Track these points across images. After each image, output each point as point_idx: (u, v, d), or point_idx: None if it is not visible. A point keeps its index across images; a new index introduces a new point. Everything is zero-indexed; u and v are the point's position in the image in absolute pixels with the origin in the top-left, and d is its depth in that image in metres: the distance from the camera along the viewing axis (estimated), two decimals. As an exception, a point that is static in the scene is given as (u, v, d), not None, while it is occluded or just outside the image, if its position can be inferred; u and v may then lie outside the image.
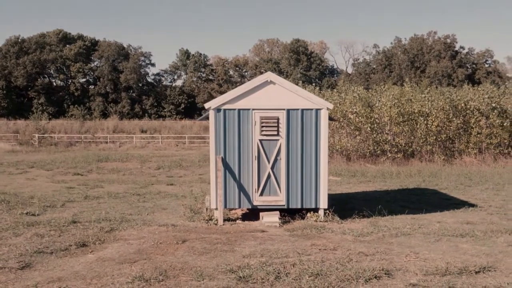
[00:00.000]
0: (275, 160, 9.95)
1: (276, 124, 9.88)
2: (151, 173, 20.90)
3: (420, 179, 18.34)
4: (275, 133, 9.91)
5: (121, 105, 78.52)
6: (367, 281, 5.56)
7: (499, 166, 23.10)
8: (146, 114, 77.17)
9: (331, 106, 10.21)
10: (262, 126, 9.86)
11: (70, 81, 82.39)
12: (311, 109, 9.94)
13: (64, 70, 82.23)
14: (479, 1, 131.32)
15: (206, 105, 9.98)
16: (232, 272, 5.89)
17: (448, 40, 78.07)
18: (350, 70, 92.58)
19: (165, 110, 79.72)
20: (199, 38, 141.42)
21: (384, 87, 28.70)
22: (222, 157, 9.83)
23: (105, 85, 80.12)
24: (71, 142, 40.03)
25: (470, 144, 24.78)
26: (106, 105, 77.65)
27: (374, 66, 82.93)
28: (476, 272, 5.94)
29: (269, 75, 10.04)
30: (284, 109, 9.90)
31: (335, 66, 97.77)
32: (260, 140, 9.91)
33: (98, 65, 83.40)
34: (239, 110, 9.86)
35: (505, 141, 24.96)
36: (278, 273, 5.81)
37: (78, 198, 13.14)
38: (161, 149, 38.03)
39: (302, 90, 10.28)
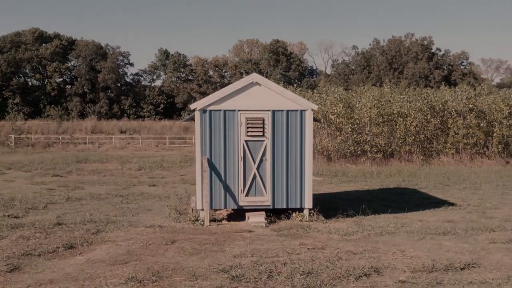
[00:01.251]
0: (261, 160, 10.03)
1: (261, 125, 9.96)
2: (132, 174, 20.74)
3: (400, 178, 18.68)
4: (261, 134, 9.98)
5: (99, 105, 77.46)
6: (358, 279, 5.70)
7: (475, 166, 23.70)
8: (124, 115, 76.29)
9: (315, 107, 10.35)
10: (248, 127, 9.93)
11: (46, 80, 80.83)
12: (296, 110, 10.05)
13: (40, 69, 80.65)
14: (454, 4, 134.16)
15: (192, 106, 10.00)
16: (225, 272, 5.95)
17: (425, 42, 79.41)
18: (329, 71, 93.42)
19: (144, 110, 78.91)
20: (178, 38, 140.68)
21: (364, 88, 29.09)
22: (208, 158, 9.85)
23: (82, 85, 78.88)
24: (49, 143, 39.38)
25: (448, 144, 25.34)
26: (84, 105, 76.46)
27: (353, 67, 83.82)
28: (461, 269, 6.14)
29: (255, 77, 10.12)
30: (269, 110, 9.98)
31: (314, 67, 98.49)
32: (246, 141, 9.97)
33: (75, 65, 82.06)
34: (224, 111, 9.91)
35: (481, 141, 25.59)
36: (270, 272, 5.90)
37: (60, 199, 12.99)
38: (141, 150, 37.72)
39: (287, 91, 10.39)
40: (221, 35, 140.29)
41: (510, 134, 25.69)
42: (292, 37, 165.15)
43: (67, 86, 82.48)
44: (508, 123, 25.54)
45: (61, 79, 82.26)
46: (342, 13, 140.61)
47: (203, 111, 9.88)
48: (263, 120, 9.96)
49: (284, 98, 10.03)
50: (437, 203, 12.59)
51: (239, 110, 9.92)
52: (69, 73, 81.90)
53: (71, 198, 13.22)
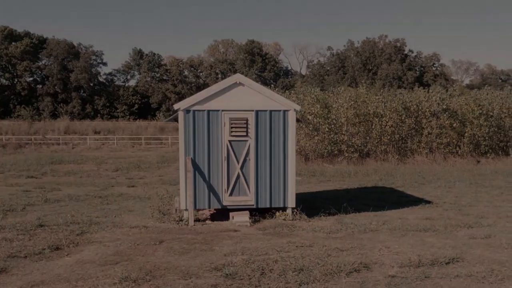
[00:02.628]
0: (244, 160, 10.09)
1: (245, 125, 10.02)
2: (109, 175, 20.50)
3: (377, 177, 19.00)
4: (244, 134, 10.04)
5: (72, 105, 76.04)
6: (349, 275, 5.84)
7: (448, 165, 24.31)
8: (98, 115, 75.13)
9: (298, 107, 10.46)
10: (232, 127, 9.98)
11: (16, 80, 78.88)
12: (279, 110, 10.15)
13: (10, 68, 78.62)
14: (426, 6, 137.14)
15: (176, 106, 9.99)
16: (218, 270, 6.00)
17: (398, 44, 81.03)
18: (304, 72, 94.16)
19: (118, 110, 77.84)
20: (153, 38, 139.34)
21: (341, 89, 29.50)
22: (191, 158, 9.86)
23: (54, 85, 77.27)
24: (20, 143, 38.50)
25: (422, 144, 25.94)
26: (56, 106, 74.90)
27: (328, 68, 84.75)
28: (447, 263, 6.36)
29: (239, 77, 10.18)
30: (252, 110, 10.05)
31: (289, 68, 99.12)
32: (230, 141, 10.02)
33: (46, 64, 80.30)
34: (208, 111, 9.94)
35: (454, 141, 26.28)
36: (263, 270, 5.98)
37: (37, 201, 12.77)
38: (116, 151, 37.26)
39: (270, 92, 10.51)
40: (196, 35, 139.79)
41: (481, 134, 26.46)
42: (267, 38, 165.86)
43: (38, 85, 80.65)
44: (479, 123, 26.31)
45: (31, 79, 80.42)
46: (316, 14, 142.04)
47: (187, 111, 9.88)
48: (247, 120, 10.03)
49: (267, 98, 10.12)
50: (414, 201, 12.89)
51: (222, 110, 9.96)
52: (40, 72, 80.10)
53: (49, 200, 13.00)
